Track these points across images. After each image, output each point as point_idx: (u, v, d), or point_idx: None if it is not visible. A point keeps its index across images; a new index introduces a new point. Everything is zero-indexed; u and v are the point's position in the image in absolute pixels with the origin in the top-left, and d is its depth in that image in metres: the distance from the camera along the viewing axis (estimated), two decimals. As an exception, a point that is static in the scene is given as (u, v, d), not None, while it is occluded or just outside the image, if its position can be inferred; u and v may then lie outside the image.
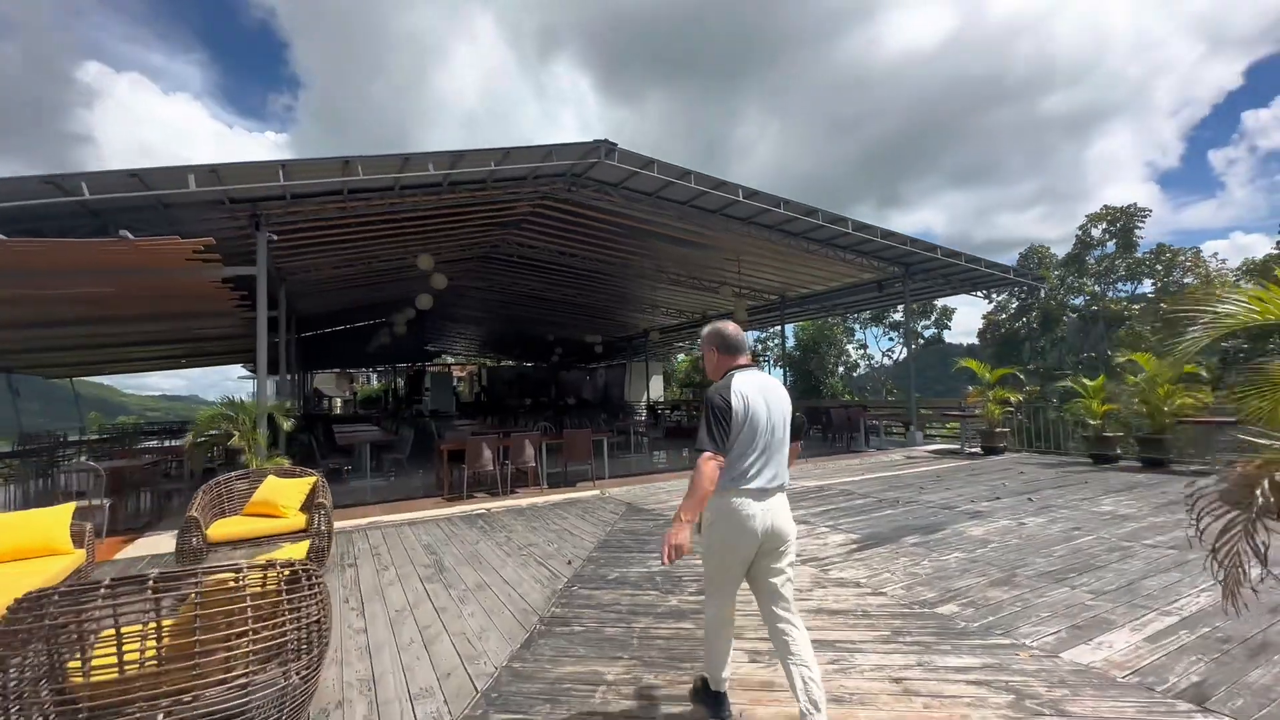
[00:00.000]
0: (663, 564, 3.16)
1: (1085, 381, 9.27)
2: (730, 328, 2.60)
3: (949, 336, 24.51)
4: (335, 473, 9.52)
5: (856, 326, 25.88)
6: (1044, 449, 10.83)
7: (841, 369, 25.01)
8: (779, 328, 22.99)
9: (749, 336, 34.90)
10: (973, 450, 11.12)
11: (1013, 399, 10.40)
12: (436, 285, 10.29)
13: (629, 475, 9.50)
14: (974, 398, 11.16)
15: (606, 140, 8.04)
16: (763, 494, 2.37)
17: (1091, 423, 9.05)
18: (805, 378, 23.75)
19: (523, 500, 7.56)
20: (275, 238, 7.57)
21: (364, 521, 6.66)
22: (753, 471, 2.36)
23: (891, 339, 25.69)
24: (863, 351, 26.45)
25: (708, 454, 2.29)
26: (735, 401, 2.35)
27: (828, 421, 13.49)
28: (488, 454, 7.82)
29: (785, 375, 25.23)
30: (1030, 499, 6.69)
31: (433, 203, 8.67)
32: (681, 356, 33.35)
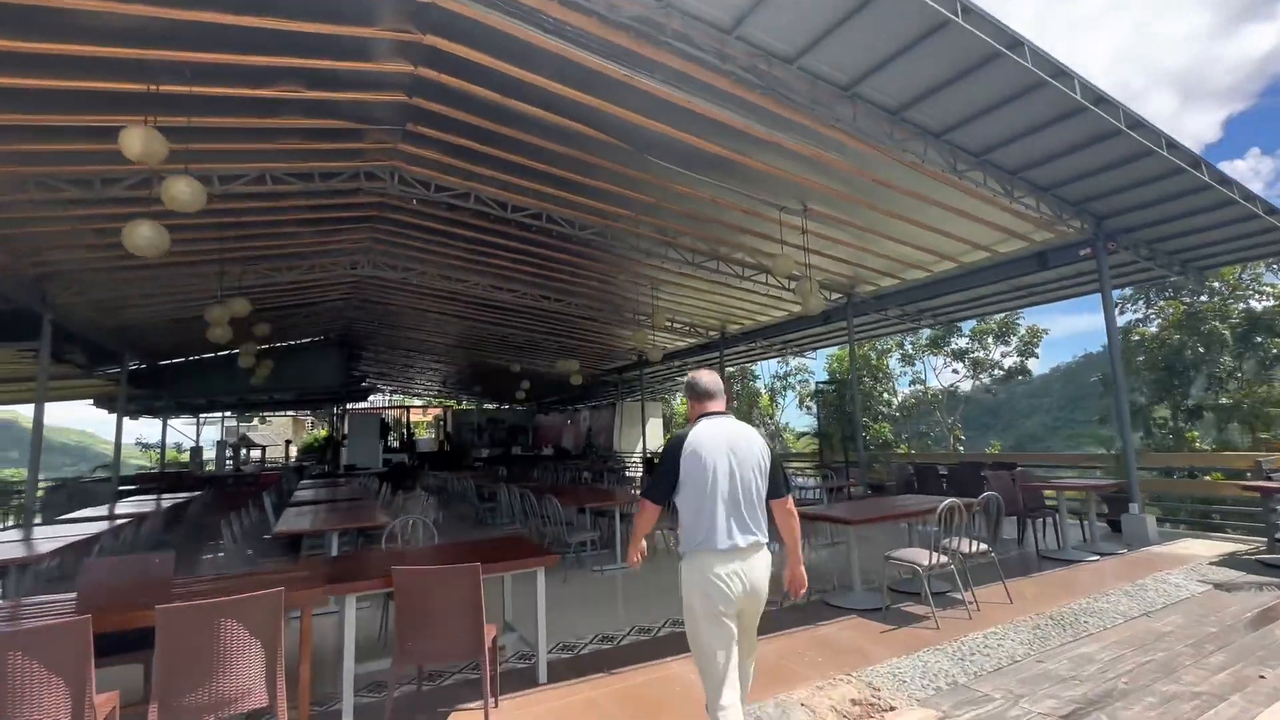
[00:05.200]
0: (632, 562, 2.56)
1: None
2: (704, 374, 2.54)
3: (1032, 366, 18.85)
4: None
5: (911, 350, 20.22)
6: None
7: (896, 411, 19.18)
8: (822, 351, 17.60)
9: (769, 365, 29.30)
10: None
11: None
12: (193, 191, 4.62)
13: (602, 645, 3.67)
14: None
15: None
16: (734, 552, 2.24)
17: None
18: (841, 421, 17.56)
19: None
20: None
21: None
22: (720, 528, 2.24)
23: (956, 371, 19.90)
24: (919, 386, 20.61)
25: (643, 500, 2.43)
26: (688, 451, 2.31)
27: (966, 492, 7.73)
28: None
29: (819, 417, 19.36)
30: None
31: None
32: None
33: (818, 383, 13.46)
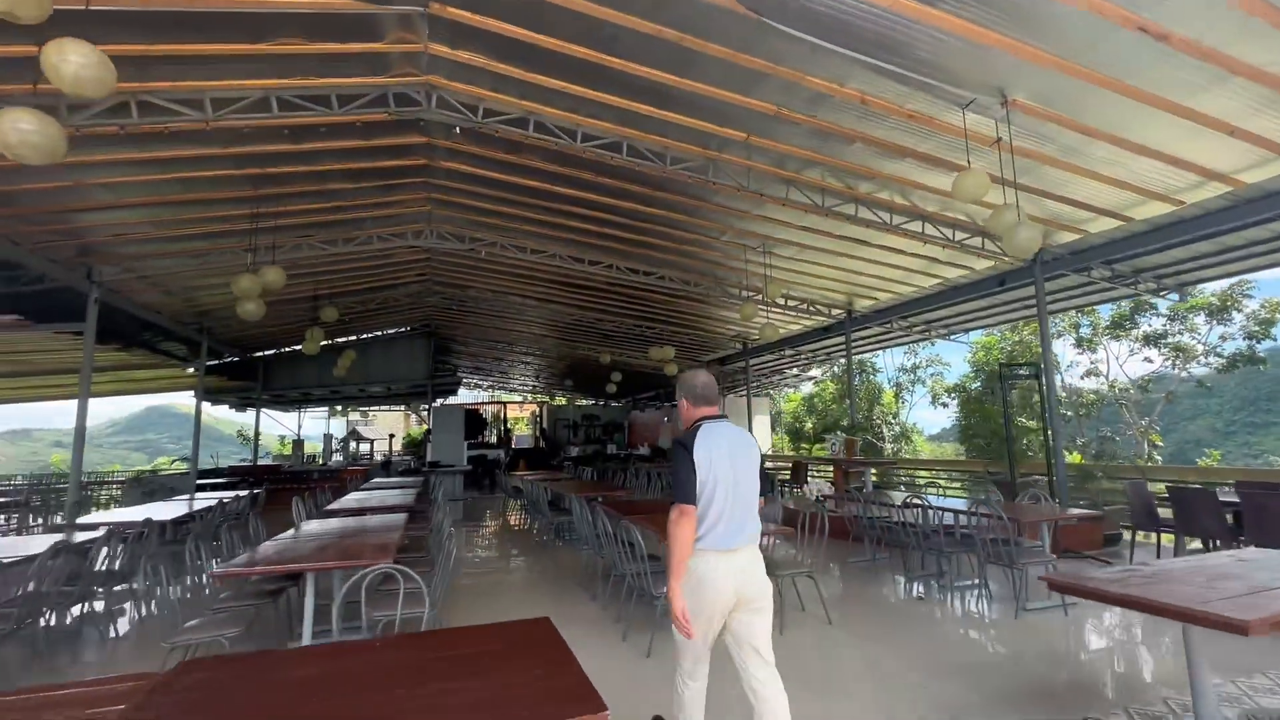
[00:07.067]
0: (689, 637, 2.34)
1: None
2: (701, 377, 2.57)
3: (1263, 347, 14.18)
4: None
5: (1089, 333, 16.07)
6: None
7: (1067, 410, 15.23)
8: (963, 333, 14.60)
9: (892, 356, 25.79)
10: None
11: None
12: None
13: None
14: None
15: None
16: (733, 551, 2.33)
17: None
18: (998, 423, 14.01)
19: None
20: None
21: None
22: (721, 527, 2.31)
23: (1150, 360, 15.60)
24: (1098, 378, 16.40)
25: (682, 507, 2.29)
26: (700, 454, 2.32)
27: None
28: None
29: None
30: None
31: None
32: (808, 387, 24.57)
33: (1002, 366, 10.34)
